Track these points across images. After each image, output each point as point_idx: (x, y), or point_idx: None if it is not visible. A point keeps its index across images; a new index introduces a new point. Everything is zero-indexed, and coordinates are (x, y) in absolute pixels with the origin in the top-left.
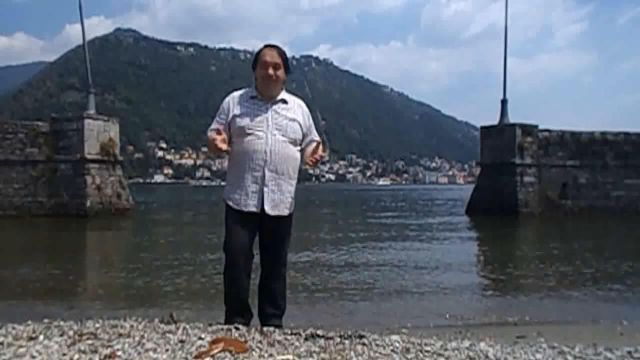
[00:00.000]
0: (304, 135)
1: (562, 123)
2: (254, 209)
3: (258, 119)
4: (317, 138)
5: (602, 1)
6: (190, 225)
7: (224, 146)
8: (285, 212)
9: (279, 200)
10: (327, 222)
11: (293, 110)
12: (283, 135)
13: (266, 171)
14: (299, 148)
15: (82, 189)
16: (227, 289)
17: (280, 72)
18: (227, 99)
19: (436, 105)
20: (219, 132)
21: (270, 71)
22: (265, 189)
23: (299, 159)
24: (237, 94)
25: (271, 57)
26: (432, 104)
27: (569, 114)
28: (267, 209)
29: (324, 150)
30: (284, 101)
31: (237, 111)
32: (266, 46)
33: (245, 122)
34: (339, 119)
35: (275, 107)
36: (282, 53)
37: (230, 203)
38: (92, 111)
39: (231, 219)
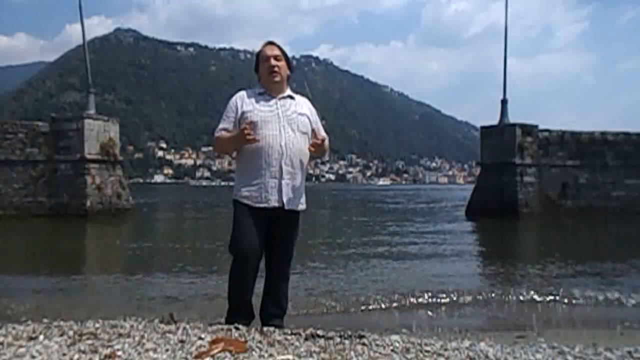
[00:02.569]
0: (313, 131)
1: (562, 123)
2: (275, 204)
3: (268, 114)
4: (325, 135)
5: (603, 1)
6: (190, 225)
7: (254, 136)
8: (301, 207)
9: (294, 194)
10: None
11: (300, 106)
12: (294, 130)
13: (283, 165)
14: (307, 144)
15: (82, 189)
16: (232, 288)
17: (282, 64)
18: (233, 98)
19: (436, 105)
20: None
21: (273, 62)
22: (283, 182)
23: (308, 155)
24: (243, 92)
25: (270, 50)
26: (432, 104)
27: (569, 114)
28: (286, 202)
29: (325, 150)
30: (291, 97)
31: (246, 108)
32: (264, 44)
33: (256, 117)
34: (339, 119)
35: (283, 102)
36: (280, 47)
37: (247, 201)
38: (92, 111)
39: (244, 218)
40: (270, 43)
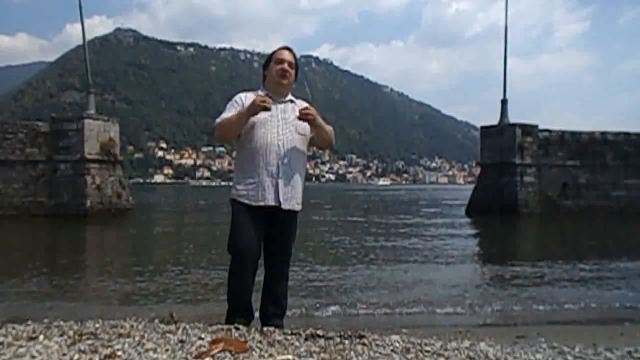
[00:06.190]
0: (312, 135)
1: (562, 123)
2: (272, 203)
3: (269, 115)
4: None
5: (604, 1)
6: (190, 225)
7: (269, 103)
8: (297, 207)
9: (291, 194)
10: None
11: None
12: (293, 132)
13: (280, 165)
14: (306, 147)
15: (82, 189)
16: (231, 288)
17: (293, 72)
18: (239, 95)
19: (436, 105)
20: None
21: (286, 66)
22: (280, 182)
23: (307, 157)
24: (246, 93)
25: (289, 55)
26: (432, 104)
27: (569, 114)
28: (282, 202)
29: (329, 137)
30: (292, 101)
31: (248, 103)
32: (282, 47)
33: (257, 118)
34: (339, 119)
35: (283, 106)
36: (295, 57)
37: (244, 200)
38: (92, 111)
39: (241, 217)
40: (289, 49)
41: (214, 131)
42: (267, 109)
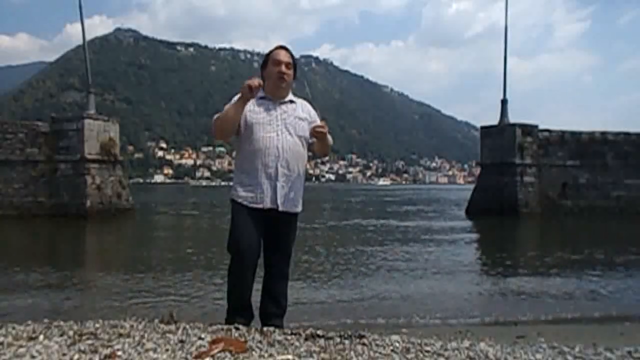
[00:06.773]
0: (311, 136)
1: (562, 123)
2: (270, 205)
3: (268, 117)
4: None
5: (604, 1)
6: (190, 225)
7: (257, 82)
8: (296, 209)
9: (290, 196)
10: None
11: (301, 110)
12: (292, 134)
13: (279, 167)
14: (306, 148)
15: (82, 189)
16: (231, 287)
17: (291, 73)
18: (237, 97)
19: (436, 105)
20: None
21: (284, 68)
22: (278, 185)
23: (306, 158)
24: None
25: (285, 56)
26: (432, 104)
27: (569, 114)
28: (280, 204)
29: (328, 146)
30: (292, 102)
31: (247, 108)
32: (278, 47)
33: (255, 120)
34: (339, 119)
35: (283, 106)
36: (293, 55)
37: (242, 201)
38: (92, 111)
39: (241, 217)
40: (285, 49)
41: (211, 130)
42: (251, 89)
